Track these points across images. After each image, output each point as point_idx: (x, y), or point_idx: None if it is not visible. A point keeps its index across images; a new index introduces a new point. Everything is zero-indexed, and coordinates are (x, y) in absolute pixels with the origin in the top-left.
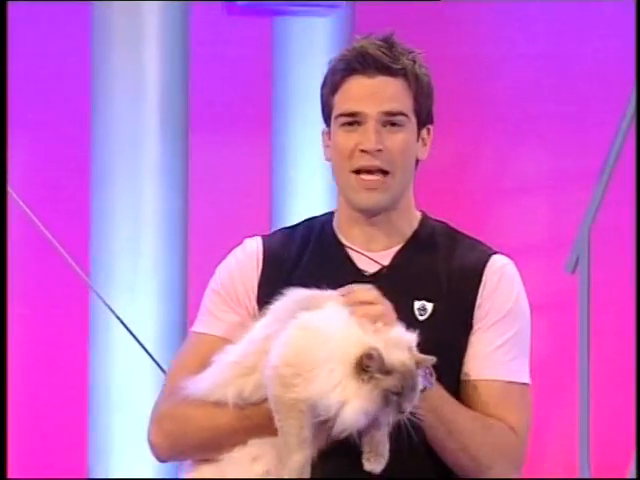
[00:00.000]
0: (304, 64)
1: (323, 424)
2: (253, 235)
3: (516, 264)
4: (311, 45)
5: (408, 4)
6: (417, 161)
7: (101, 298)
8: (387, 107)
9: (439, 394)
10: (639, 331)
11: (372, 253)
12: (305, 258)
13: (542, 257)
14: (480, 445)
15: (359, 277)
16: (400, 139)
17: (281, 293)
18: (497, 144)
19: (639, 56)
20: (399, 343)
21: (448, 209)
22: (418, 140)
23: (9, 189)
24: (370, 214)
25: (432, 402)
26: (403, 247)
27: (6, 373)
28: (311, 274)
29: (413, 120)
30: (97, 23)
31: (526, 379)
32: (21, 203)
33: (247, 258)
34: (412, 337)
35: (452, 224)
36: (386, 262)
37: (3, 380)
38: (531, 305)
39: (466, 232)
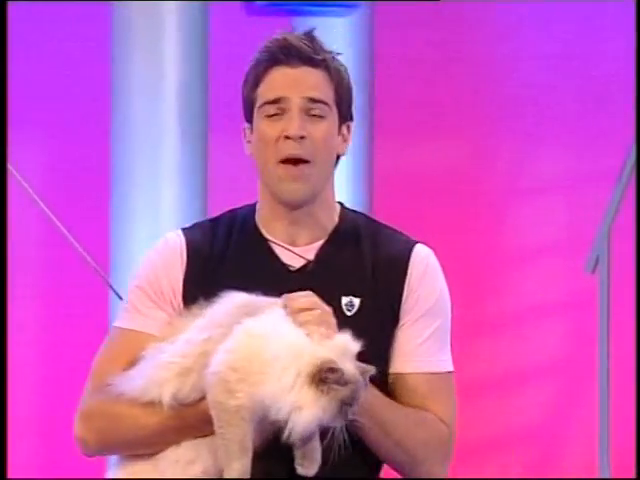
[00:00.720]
0: None
1: (259, 425)
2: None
3: (536, 264)
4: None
5: (426, 4)
6: (338, 157)
7: (121, 298)
8: (310, 94)
9: (372, 394)
10: (639, 331)
11: (296, 247)
12: (229, 253)
13: (562, 257)
14: (414, 440)
15: (284, 272)
16: (322, 128)
17: (207, 289)
18: (515, 144)
19: (639, 56)
20: (346, 352)
21: (466, 210)
22: (339, 134)
23: (29, 190)
24: (293, 206)
25: (366, 403)
26: (327, 241)
27: (6, 373)
28: (236, 269)
29: (334, 111)
30: (117, 23)
31: (450, 367)
32: (41, 204)
33: (171, 253)
34: (356, 346)
35: (369, 214)
36: (311, 256)
37: (3, 380)
38: (551, 305)
39: (383, 221)
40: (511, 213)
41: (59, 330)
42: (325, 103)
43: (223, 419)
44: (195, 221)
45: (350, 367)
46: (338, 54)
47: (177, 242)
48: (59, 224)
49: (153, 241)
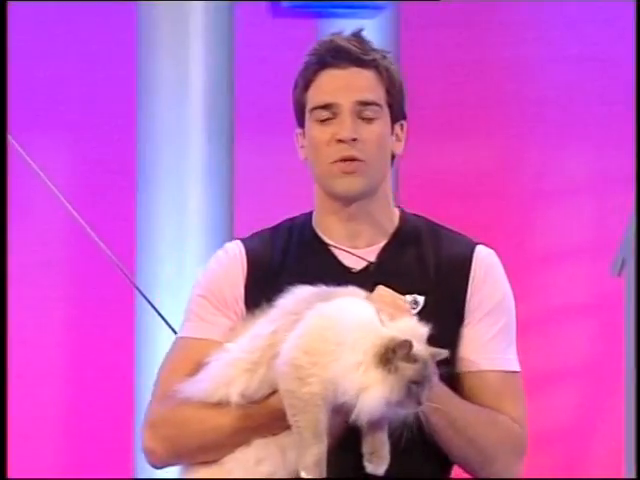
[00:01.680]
0: None
1: (335, 416)
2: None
3: (562, 266)
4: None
5: (452, 6)
6: (393, 157)
7: (147, 299)
8: (360, 97)
9: (443, 391)
10: (639, 332)
11: (356, 250)
12: (289, 259)
13: (588, 259)
14: (486, 439)
15: (347, 274)
16: (375, 129)
17: (268, 295)
18: (543, 146)
19: (639, 56)
20: (415, 334)
21: (494, 211)
22: (392, 134)
23: (56, 191)
24: (348, 200)
25: (437, 400)
26: (388, 243)
27: (6, 373)
28: (297, 274)
29: (386, 112)
30: (142, 24)
31: (518, 367)
32: (67, 204)
33: (231, 262)
34: (425, 329)
35: (430, 217)
36: (372, 258)
37: (3, 380)
38: (577, 307)
39: (445, 225)
40: (537, 215)
41: (85, 331)
42: (376, 104)
43: (297, 407)
44: (253, 232)
45: (418, 345)
46: (388, 53)
47: (236, 250)
48: (85, 225)
49: (179, 242)
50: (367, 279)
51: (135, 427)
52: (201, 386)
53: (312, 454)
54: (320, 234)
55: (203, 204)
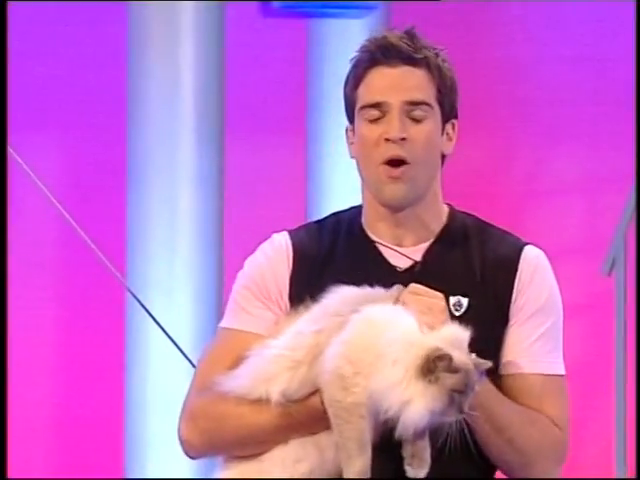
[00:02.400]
0: (339, 65)
1: (374, 422)
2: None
3: (552, 266)
4: (346, 47)
5: (442, 6)
6: (443, 156)
7: (138, 300)
8: (410, 97)
9: (486, 388)
10: (639, 331)
11: (402, 249)
12: (335, 254)
13: (578, 259)
14: (526, 439)
15: (392, 273)
16: (424, 129)
17: (313, 290)
18: (533, 145)
19: (639, 56)
20: (455, 341)
21: (484, 211)
22: (443, 134)
23: (46, 191)
24: (396, 208)
25: (480, 397)
26: (434, 242)
27: (6, 373)
28: (343, 270)
29: (437, 111)
30: (133, 24)
31: (562, 370)
32: (58, 205)
33: (277, 254)
34: (466, 334)
35: (479, 216)
36: (417, 257)
37: (3, 380)
38: (567, 307)
39: (493, 224)
40: (528, 215)
41: (75, 331)
42: (427, 104)
43: (342, 417)
44: (300, 224)
45: (459, 355)
46: (441, 50)
47: (283, 243)
48: (76, 225)
49: (169, 242)
50: (412, 278)
51: (125, 427)
52: (241, 382)
53: (357, 465)
54: (367, 230)
55: (194, 204)
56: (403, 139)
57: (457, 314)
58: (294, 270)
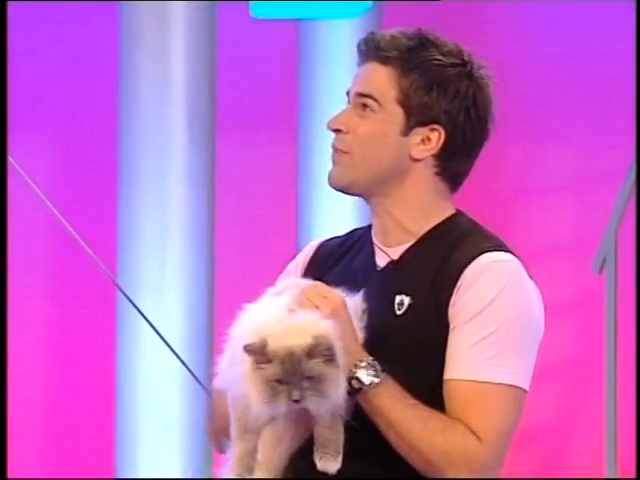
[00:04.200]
0: (330, 65)
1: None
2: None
3: (543, 264)
4: (337, 46)
5: (434, 5)
6: (417, 160)
7: (128, 298)
8: (359, 88)
9: (388, 393)
10: (639, 331)
11: (388, 248)
12: (348, 254)
13: (569, 257)
14: (431, 448)
15: (372, 271)
16: (366, 123)
17: (320, 280)
18: (523, 144)
19: (639, 56)
20: (298, 328)
21: (475, 209)
22: (407, 135)
23: (37, 190)
24: (344, 193)
25: (378, 401)
26: (414, 244)
27: (6, 373)
28: (343, 268)
29: (393, 110)
30: (124, 24)
31: (506, 380)
32: (48, 203)
33: (303, 254)
34: (323, 325)
35: (482, 224)
36: (396, 257)
37: (3, 380)
38: (558, 305)
39: (491, 231)
40: (519, 214)
41: (66, 330)
42: (373, 98)
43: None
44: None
45: (284, 342)
46: (483, 66)
47: (313, 245)
48: (67, 224)
49: (160, 241)
50: (382, 276)
51: (116, 426)
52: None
53: (235, 451)
54: (370, 232)
55: (185, 203)
56: (338, 130)
57: (398, 313)
58: (308, 266)
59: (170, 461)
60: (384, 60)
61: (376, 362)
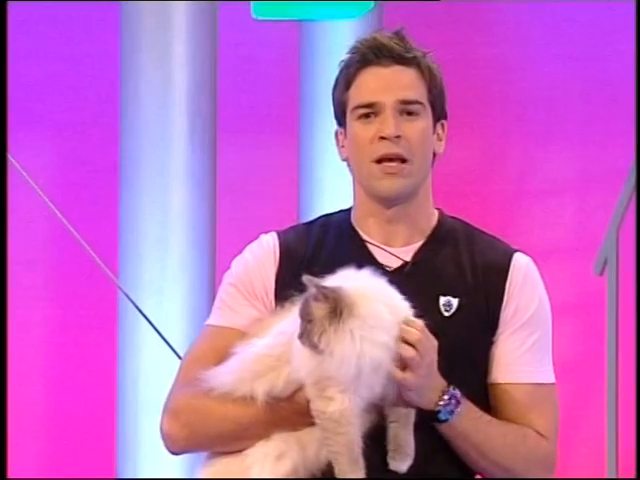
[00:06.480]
0: (331, 65)
1: (367, 416)
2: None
3: (544, 266)
4: (338, 46)
5: (435, 5)
6: (434, 155)
7: (130, 299)
8: (403, 95)
9: (468, 417)
10: (639, 331)
11: (392, 249)
12: (323, 254)
13: (570, 259)
14: (513, 459)
15: (381, 272)
16: (418, 127)
17: (299, 289)
18: (524, 146)
19: (639, 57)
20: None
21: (475, 211)
22: (434, 133)
23: (38, 190)
24: (389, 203)
25: (460, 427)
26: (425, 243)
27: (6, 373)
28: (330, 269)
29: (428, 110)
30: (126, 24)
31: (552, 379)
32: (49, 204)
33: (264, 253)
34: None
35: (468, 221)
36: (408, 257)
37: (3, 380)
38: (559, 307)
39: (482, 229)
40: (520, 215)
41: (67, 330)
42: (419, 102)
43: (328, 429)
44: (291, 225)
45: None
46: (428, 52)
47: (270, 242)
48: (68, 225)
49: (161, 242)
50: (402, 278)
51: (118, 426)
52: (225, 379)
53: None
54: (357, 230)
55: (186, 204)
56: (398, 137)
57: (447, 314)
58: (280, 269)
59: (171, 461)
60: (406, 62)
61: (456, 391)
